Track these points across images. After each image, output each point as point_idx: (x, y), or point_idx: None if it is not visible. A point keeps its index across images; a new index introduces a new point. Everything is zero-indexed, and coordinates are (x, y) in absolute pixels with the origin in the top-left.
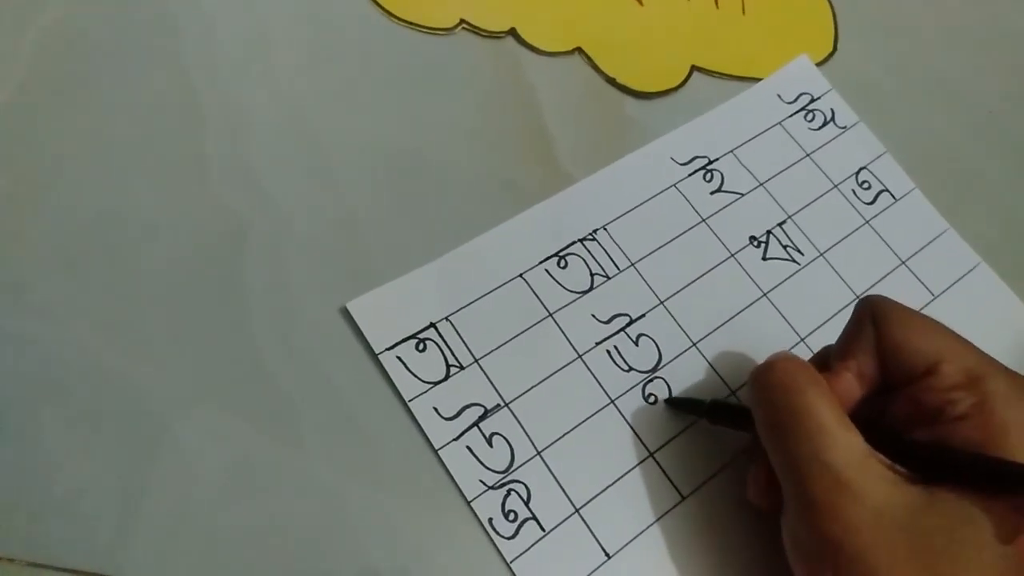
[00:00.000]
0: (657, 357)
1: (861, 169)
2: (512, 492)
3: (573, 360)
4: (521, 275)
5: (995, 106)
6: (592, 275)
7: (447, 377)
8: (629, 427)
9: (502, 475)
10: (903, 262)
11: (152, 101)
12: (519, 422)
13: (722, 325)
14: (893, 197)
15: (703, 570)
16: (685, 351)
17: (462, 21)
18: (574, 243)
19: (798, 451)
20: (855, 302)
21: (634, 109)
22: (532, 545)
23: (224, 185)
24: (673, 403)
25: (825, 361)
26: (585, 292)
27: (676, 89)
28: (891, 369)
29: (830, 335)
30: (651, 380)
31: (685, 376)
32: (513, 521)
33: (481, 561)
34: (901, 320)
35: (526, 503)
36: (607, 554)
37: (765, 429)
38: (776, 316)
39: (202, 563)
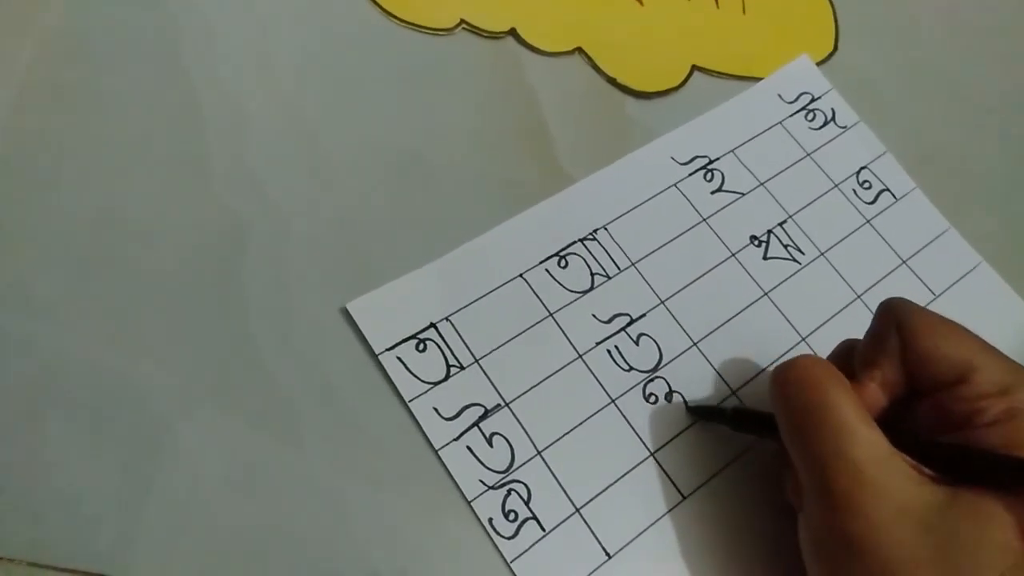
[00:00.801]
0: (658, 357)
1: (862, 168)
2: (512, 492)
3: (573, 360)
4: (521, 275)
5: (996, 105)
6: (592, 275)
7: (447, 377)
8: (630, 427)
9: (502, 475)
10: (904, 262)
11: (152, 101)
12: (519, 422)
13: (723, 325)
14: (894, 197)
15: (704, 570)
16: (686, 351)
17: (462, 21)
18: (574, 243)
19: (820, 448)
20: (855, 301)
21: (634, 109)
22: (532, 545)
23: (224, 185)
24: (695, 411)
25: (844, 358)
26: (585, 292)
27: (676, 89)
28: (918, 377)
29: (831, 335)
30: (652, 380)
31: (686, 376)
32: (513, 521)
33: (481, 561)
34: (927, 328)
35: (526, 503)
36: (608, 554)
37: (786, 427)
38: (777, 315)
39: (203, 563)
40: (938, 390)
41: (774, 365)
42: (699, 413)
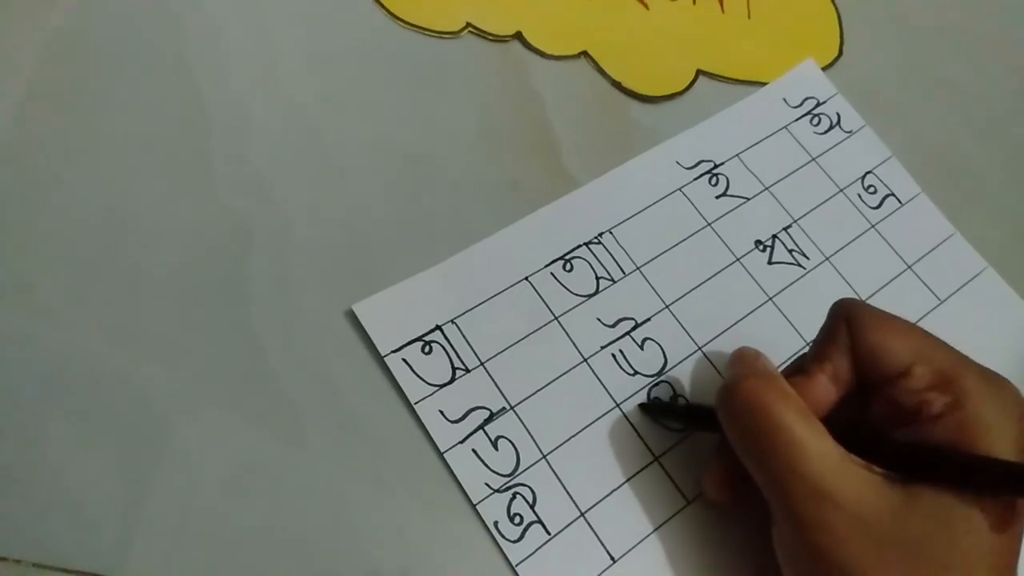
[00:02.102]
0: (662, 361)
1: (867, 173)
2: (517, 495)
3: (578, 364)
4: (527, 278)
5: (1001, 110)
6: (597, 279)
7: (453, 380)
8: (634, 431)
9: (507, 478)
10: (909, 267)
11: (156, 103)
12: (524, 425)
13: (727, 329)
14: (899, 201)
15: (707, 574)
16: (690, 355)
17: (468, 25)
18: (579, 247)
19: (775, 467)
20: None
21: (639, 113)
22: (537, 548)
23: (229, 187)
24: (646, 408)
25: (797, 371)
26: (590, 296)
27: (681, 93)
28: (866, 371)
29: None
30: (656, 384)
31: (690, 380)
32: (518, 524)
33: (486, 564)
34: (875, 323)
35: (531, 506)
36: (612, 558)
37: (740, 450)
38: (781, 320)
39: (205, 564)
40: (885, 383)
41: (778, 370)
42: (651, 411)
